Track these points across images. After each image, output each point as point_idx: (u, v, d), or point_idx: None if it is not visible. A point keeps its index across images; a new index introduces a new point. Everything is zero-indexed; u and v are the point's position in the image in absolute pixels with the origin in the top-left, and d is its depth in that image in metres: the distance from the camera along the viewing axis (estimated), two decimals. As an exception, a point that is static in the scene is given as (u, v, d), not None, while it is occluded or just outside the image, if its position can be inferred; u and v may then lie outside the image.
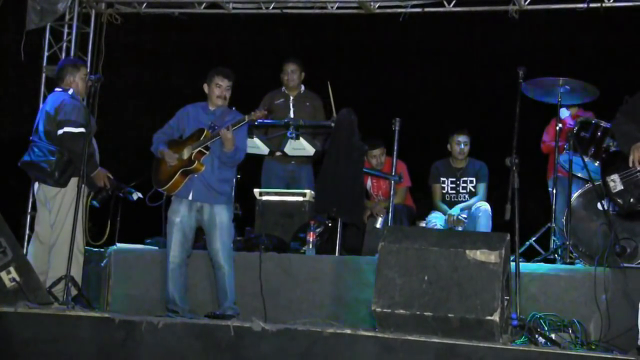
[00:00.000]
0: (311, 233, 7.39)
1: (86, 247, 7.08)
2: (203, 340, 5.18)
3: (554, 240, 7.36)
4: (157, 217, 7.36)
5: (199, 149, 6.75)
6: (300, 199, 7.94)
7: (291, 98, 8.67)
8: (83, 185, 6.45)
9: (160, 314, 6.41)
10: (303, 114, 8.47)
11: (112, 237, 7.77)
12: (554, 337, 5.63)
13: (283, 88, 8.75)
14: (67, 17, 9.86)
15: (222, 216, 6.79)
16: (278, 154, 8.29)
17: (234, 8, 10.16)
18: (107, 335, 5.29)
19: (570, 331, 5.82)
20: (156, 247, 7.84)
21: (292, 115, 8.48)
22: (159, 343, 5.20)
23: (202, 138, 6.77)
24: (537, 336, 5.49)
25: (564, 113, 7.73)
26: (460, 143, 8.43)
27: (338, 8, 9.93)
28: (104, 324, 5.33)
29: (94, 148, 7.02)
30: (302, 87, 8.75)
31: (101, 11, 10.11)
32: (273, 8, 10.03)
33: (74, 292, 6.41)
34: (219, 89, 6.89)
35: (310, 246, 7.37)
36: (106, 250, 7.75)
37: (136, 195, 7.14)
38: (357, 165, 7.68)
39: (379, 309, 5.08)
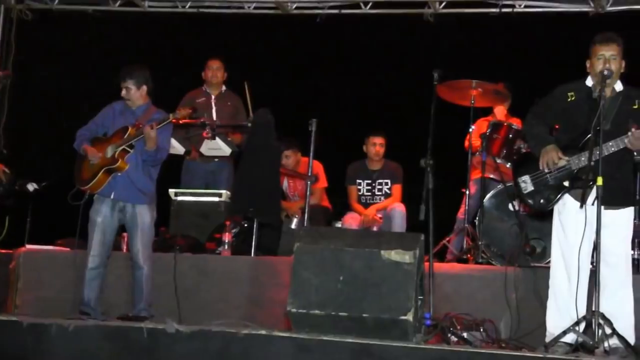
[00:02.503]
0: (227, 233, 7.36)
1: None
2: (116, 343, 5.09)
3: (466, 241, 7.48)
4: (70, 217, 7.21)
5: (123, 147, 6.64)
6: (216, 199, 7.90)
7: (213, 97, 8.61)
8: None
9: (72, 316, 6.29)
10: (225, 114, 8.44)
11: (22, 238, 7.60)
12: (466, 336, 5.71)
13: (204, 87, 8.68)
14: (-26, 11, 9.62)
15: (144, 217, 6.69)
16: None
17: (149, 6, 10.05)
18: (14, 339, 5.15)
19: (481, 330, 5.91)
20: (68, 249, 7.69)
21: (214, 114, 8.43)
22: (70, 346, 5.10)
23: (126, 136, 6.66)
24: (449, 335, 5.57)
25: (498, 114, 7.85)
26: (376, 145, 8.51)
27: (255, 8, 9.92)
28: (11, 328, 5.19)
29: None
30: (224, 87, 8.70)
31: (11, 6, 9.88)
32: (190, 7, 9.96)
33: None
34: (123, 90, 6.80)
35: (226, 246, 7.33)
36: (15, 252, 7.57)
37: (32, 186, 6.98)
38: (274, 165, 7.67)
39: (294, 310, 5.08)
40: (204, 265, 7.18)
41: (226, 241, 7.34)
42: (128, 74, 6.78)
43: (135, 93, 6.78)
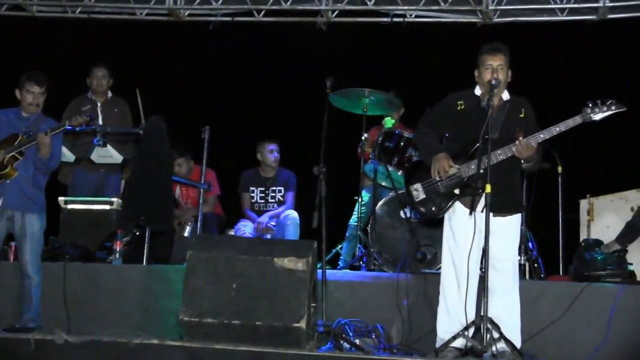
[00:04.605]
0: (118, 242, 7.24)
1: None
2: (1, 355, 4.96)
3: (359, 248, 7.54)
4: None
5: (13, 153, 6.50)
6: (107, 207, 7.77)
7: (99, 104, 8.45)
8: None
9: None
10: (111, 120, 8.30)
11: None
12: (358, 342, 5.76)
13: (89, 93, 8.52)
14: None
15: (33, 226, 6.56)
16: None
17: (38, 11, 9.84)
18: None
19: (373, 336, 5.97)
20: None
21: (100, 121, 8.28)
22: (-46, 359, 4.95)
23: (16, 143, 6.52)
24: (342, 342, 5.60)
25: (389, 123, 7.93)
26: (270, 152, 8.51)
27: (147, 14, 9.82)
28: None
29: None
30: (110, 93, 8.56)
31: None
32: (80, 12, 9.79)
33: None
34: (31, 95, 6.65)
35: (117, 255, 7.22)
36: None
37: None
38: (166, 173, 7.60)
39: (186, 318, 5.04)
40: (94, 274, 7.04)
41: (117, 250, 7.22)
42: (44, 80, 6.65)
43: (42, 99, 6.66)
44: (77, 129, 7.04)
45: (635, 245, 6.88)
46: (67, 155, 7.90)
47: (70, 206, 7.80)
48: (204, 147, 7.62)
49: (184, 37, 10.33)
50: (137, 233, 7.47)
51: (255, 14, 9.64)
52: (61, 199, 7.82)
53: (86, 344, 4.91)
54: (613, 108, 5.66)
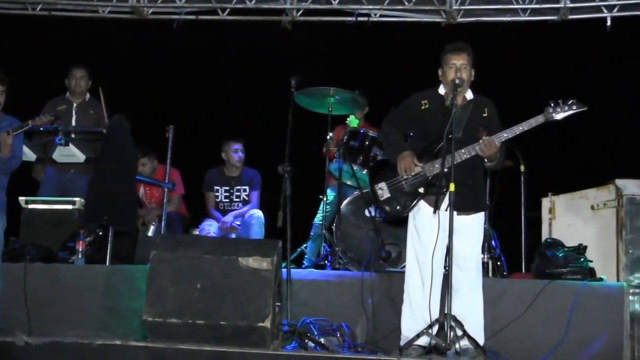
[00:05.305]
0: (81, 242, 7.17)
1: None
2: (-39, 358, 4.92)
3: (324, 247, 7.54)
4: None
5: None
6: (70, 207, 7.69)
7: (74, 105, 8.38)
8: None
9: None
10: (86, 122, 8.24)
11: None
12: (323, 341, 5.76)
13: (67, 94, 8.45)
14: None
15: None
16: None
17: (-4, 8, 9.75)
18: None
19: (338, 335, 5.98)
20: None
21: (74, 122, 8.22)
22: None
23: None
24: (307, 341, 5.61)
25: (354, 122, 7.93)
26: (235, 151, 8.49)
27: (110, 12, 9.75)
28: None
29: None
30: (88, 95, 8.49)
31: None
32: (41, 9, 9.69)
33: None
34: None
35: (80, 255, 7.15)
36: None
37: None
38: (130, 172, 7.55)
39: (150, 319, 5.02)
40: (56, 275, 6.97)
41: (80, 250, 7.16)
42: (5, 78, 6.56)
43: (3, 98, 6.57)
44: (41, 128, 6.97)
45: (595, 242, 6.95)
46: (28, 154, 7.80)
47: (31, 206, 7.71)
48: (168, 146, 7.57)
49: (147, 35, 10.27)
50: (100, 233, 7.42)
51: (220, 13, 9.61)
52: (22, 198, 7.73)
53: (47, 345, 4.87)
54: (574, 108, 5.73)
